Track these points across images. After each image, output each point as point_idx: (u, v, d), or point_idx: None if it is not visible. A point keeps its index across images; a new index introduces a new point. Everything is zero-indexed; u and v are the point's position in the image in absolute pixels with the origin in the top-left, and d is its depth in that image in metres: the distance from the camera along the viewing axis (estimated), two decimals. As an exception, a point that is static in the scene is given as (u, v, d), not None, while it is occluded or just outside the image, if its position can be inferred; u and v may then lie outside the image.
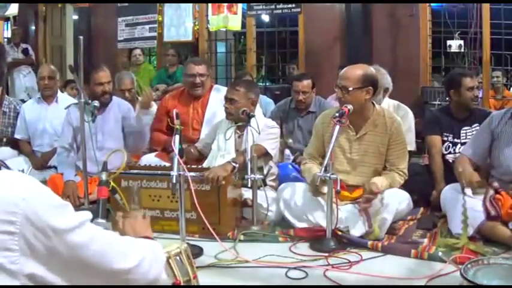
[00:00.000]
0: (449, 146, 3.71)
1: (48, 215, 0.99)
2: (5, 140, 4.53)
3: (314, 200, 3.16)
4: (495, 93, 6.66)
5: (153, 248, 1.28)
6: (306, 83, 4.47)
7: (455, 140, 3.70)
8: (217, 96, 4.10)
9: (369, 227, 2.97)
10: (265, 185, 3.27)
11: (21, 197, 0.98)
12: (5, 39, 9.64)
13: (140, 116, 3.87)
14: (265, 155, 3.48)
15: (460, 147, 3.67)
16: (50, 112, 4.46)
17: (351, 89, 3.06)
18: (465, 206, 2.75)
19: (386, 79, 3.97)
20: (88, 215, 1.08)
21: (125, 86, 4.61)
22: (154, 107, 4.65)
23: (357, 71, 3.13)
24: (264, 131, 3.46)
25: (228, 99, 3.51)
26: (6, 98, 4.73)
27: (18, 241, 0.96)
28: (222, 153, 3.56)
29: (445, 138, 3.72)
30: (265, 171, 3.40)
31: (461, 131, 3.69)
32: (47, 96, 4.51)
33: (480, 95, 5.84)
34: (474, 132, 3.62)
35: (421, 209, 3.49)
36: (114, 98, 4.11)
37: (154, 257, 1.23)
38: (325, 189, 2.95)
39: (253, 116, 3.32)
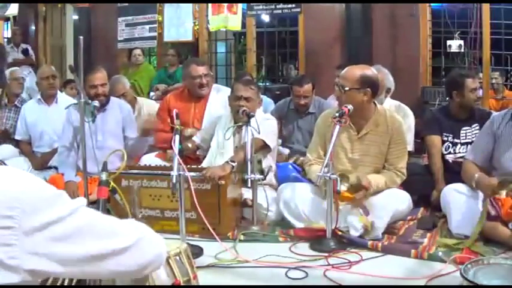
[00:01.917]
0: (449, 146, 3.71)
1: (46, 207, 0.99)
2: (12, 136, 4.57)
3: (314, 200, 3.17)
4: (495, 93, 6.65)
5: (150, 230, 1.28)
6: (307, 87, 4.44)
7: (455, 140, 3.70)
8: (217, 95, 4.11)
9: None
10: (264, 178, 3.27)
11: (20, 191, 0.98)
12: (5, 39, 9.64)
13: (140, 140, 3.87)
14: (264, 148, 3.49)
15: (460, 148, 3.67)
16: (49, 113, 4.46)
17: (347, 88, 3.07)
18: (485, 208, 2.75)
19: (388, 79, 3.97)
20: (83, 200, 1.08)
21: (117, 93, 4.57)
22: (155, 106, 4.67)
23: (356, 71, 3.13)
24: (262, 124, 3.46)
25: (244, 98, 3.49)
26: (20, 94, 4.87)
27: (18, 236, 0.96)
28: (221, 151, 3.56)
29: (445, 139, 3.71)
30: (264, 165, 3.38)
31: (461, 131, 3.69)
32: (50, 96, 4.52)
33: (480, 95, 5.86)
34: (474, 133, 3.62)
35: (421, 209, 3.49)
36: (115, 99, 4.12)
37: (153, 235, 1.22)
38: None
39: (253, 116, 3.32)
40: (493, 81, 6.32)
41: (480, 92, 5.85)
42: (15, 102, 4.74)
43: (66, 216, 1.02)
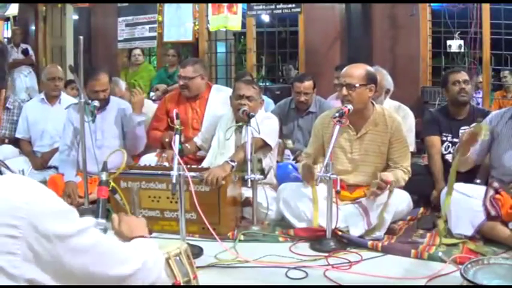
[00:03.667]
0: (448, 146, 3.72)
1: (51, 220, 0.99)
2: (7, 141, 4.55)
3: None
4: (506, 92, 6.63)
5: (152, 250, 1.29)
6: (308, 84, 4.45)
7: (455, 140, 3.71)
8: (216, 95, 4.12)
9: (368, 226, 2.97)
10: (265, 178, 3.27)
11: (26, 202, 0.97)
12: (5, 39, 9.63)
13: (133, 117, 3.87)
14: (264, 147, 3.48)
15: (459, 147, 3.69)
16: (52, 113, 4.46)
17: (357, 85, 3.07)
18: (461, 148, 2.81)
19: (387, 80, 3.98)
20: (91, 221, 1.09)
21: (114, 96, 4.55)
22: (151, 106, 4.67)
23: (360, 68, 3.17)
24: (262, 123, 3.46)
25: (246, 97, 3.49)
26: (10, 95, 4.80)
27: (21, 245, 0.96)
28: (222, 151, 3.56)
29: (444, 138, 3.73)
30: (264, 165, 3.38)
31: (460, 131, 3.70)
32: (54, 97, 4.52)
33: (480, 95, 5.87)
34: (473, 132, 3.63)
35: (421, 209, 3.49)
36: (115, 98, 4.13)
37: (154, 259, 1.24)
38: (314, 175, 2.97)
39: (253, 116, 3.33)
40: (503, 80, 6.32)
41: (480, 93, 5.89)
42: (7, 105, 4.65)
43: (72, 234, 1.02)
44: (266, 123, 3.52)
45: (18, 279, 0.97)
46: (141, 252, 1.21)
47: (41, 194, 1.01)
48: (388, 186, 2.95)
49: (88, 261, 1.04)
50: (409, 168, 3.20)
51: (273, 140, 3.56)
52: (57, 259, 1.00)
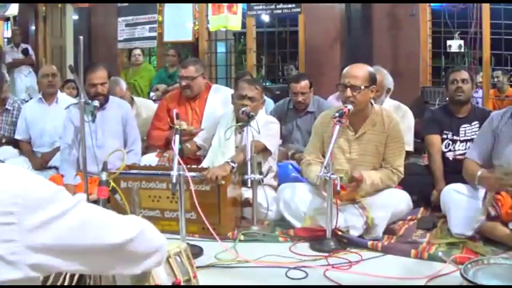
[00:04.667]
0: (449, 144, 3.73)
1: (47, 203, 1.00)
2: (4, 140, 4.54)
3: (314, 200, 3.17)
4: (499, 92, 6.65)
5: (152, 226, 1.29)
6: (304, 83, 4.45)
7: (455, 138, 3.72)
8: (215, 95, 4.12)
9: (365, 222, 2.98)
10: (265, 177, 3.27)
11: (21, 188, 0.98)
12: (5, 39, 9.64)
13: None
14: (265, 151, 3.48)
15: (459, 145, 3.70)
16: (50, 112, 4.45)
17: (362, 87, 3.06)
18: (489, 201, 2.80)
19: (387, 79, 4.00)
20: (83, 195, 1.10)
21: (115, 96, 4.54)
22: (151, 106, 4.66)
23: (363, 69, 3.16)
24: (264, 127, 3.46)
25: (248, 98, 3.47)
26: (11, 96, 4.78)
27: (19, 232, 0.97)
28: (222, 150, 3.56)
29: (445, 136, 3.74)
30: (263, 169, 3.38)
31: (461, 128, 3.72)
32: (49, 95, 4.51)
33: (480, 95, 5.87)
34: (474, 130, 3.66)
35: (421, 209, 3.50)
36: (115, 98, 4.12)
37: (153, 231, 1.23)
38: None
39: (253, 115, 3.33)
40: (495, 80, 6.32)
41: (480, 92, 5.90)
42: (6, 106, 4.65)
43: (66, 211, 1.03)
44: (268, 127, 3.52)
45: (19, 265, 0.97)
46: (139, 222, 1.20)
47: (33, 180, 1.02)
48: (361, 184, 2.98)
49: (85, 233, 1.04)
50: (400, 169, 3.17)
51: (273, 145, 3.55)
52: (56, 238, 1.00)
